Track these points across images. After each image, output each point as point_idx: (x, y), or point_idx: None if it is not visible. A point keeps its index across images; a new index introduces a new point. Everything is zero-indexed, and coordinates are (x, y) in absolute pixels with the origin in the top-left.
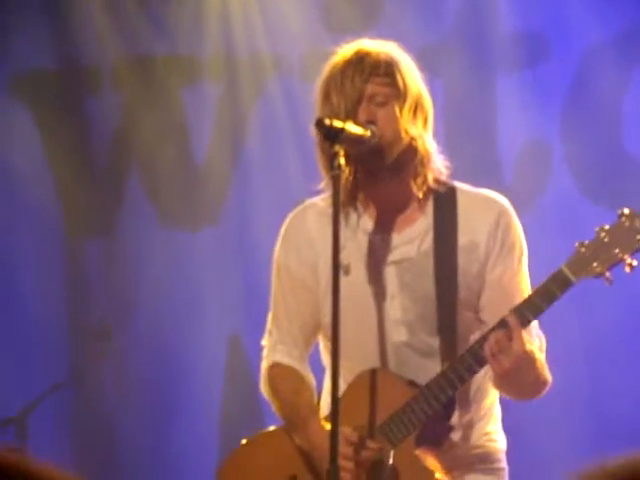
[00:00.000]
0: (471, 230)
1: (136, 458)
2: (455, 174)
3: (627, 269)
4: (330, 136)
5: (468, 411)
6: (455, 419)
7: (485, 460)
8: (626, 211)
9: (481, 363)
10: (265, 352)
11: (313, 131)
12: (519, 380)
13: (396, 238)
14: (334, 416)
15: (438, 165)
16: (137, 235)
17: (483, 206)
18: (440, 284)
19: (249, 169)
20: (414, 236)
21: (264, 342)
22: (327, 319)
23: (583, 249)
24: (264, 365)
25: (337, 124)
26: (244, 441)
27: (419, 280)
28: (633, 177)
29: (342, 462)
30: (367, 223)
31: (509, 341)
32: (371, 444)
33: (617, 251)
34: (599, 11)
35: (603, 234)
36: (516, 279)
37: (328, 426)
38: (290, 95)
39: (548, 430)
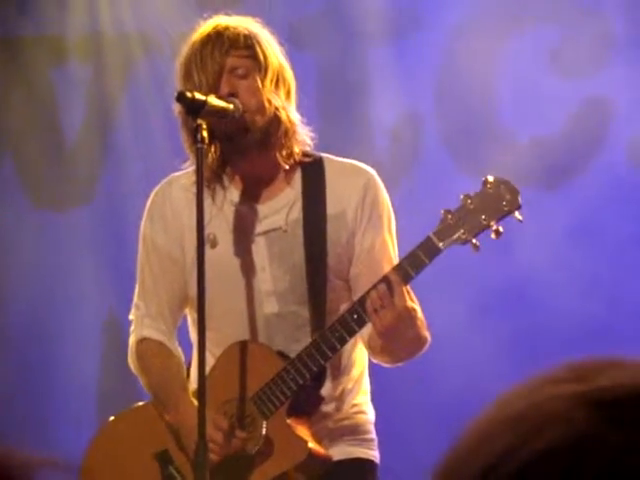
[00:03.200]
0: (339, 199)
1: (11, 444)
2: (329, 148)
3: (493, 236)
4: (192, 109)
5: (339, 382)
6: (325, 390)
7: (354, 431)
8: (490, 178)
9: (351, 332)
10: (132, 326)
11: (176, 107)
12: (400, 337)
13: (263, 209)
14: (201, 392)
15: (303, 136)
16: (8, 218)
17: (350, 176)
18: (310, 253)
19: (120, 149)
20: (280, 207)
21: (131, 316)
22: (194, 293)
23: (449, 216)
24: (132, 339)
25: (199, 97)
26: (112, 418)
27: (288, 250)
28: (506, 148)
29: (212, 447)
30: (233, 195)
31: (391, 297)
32: (240, 434)
33: (483, 217)
34: None
35: (469, 201)
36: (385, 248)
37: (197, 402)
38: (159, 75)
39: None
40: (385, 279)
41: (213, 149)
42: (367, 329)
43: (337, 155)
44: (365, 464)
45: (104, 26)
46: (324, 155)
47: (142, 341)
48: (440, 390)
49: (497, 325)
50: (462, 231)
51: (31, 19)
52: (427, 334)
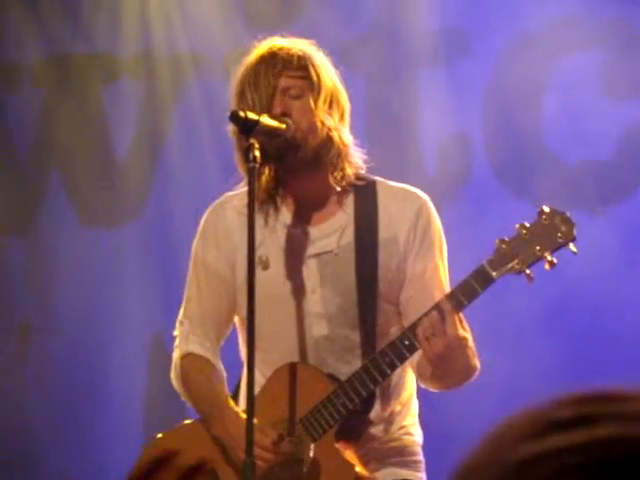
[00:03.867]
0: (392, 224)
1: (59, 459)
2: (378, 169)
3: (547, 267)
4: (245, 128)
5: (388, 404)
6: (374, 412)
7: (401, 453)
8: (546, 209)
9: (402, 358)
10: (177, 342)
11: (230, 127)
12: (450, 365)
13: (315, 232)
14: (250, 408)
15: (356, 159)
16: (58, 233)
17: (403, 200)
18: (361, 278)
19: (169, 167)
20: (332, 230)
21: (176, 332)
22: (244, 314)
23: (504, 246)
24: (176, 355)
25: (252, 116)
26: (159, 435)
27: (340, 273)
28: (551, 170)
29: (259, 452)
30: (285, 217)
31: (443, 325)
32: (289, 440)
33: (538, 248)
34: (518, 5)
35: (524, 231)
36: (437, 274)
37: (245, 416)
38: (209, 94)
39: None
40: (437, 307)
41: (267, 170)
42: (417, 355)
43: (385, 177)
44: None
45: (156, 45)
46: (377, 179)
47: (186, 356)
48: (488, 414)
49: (545, 353)
50: (516, 261)
51: (84, 37)
52: (477, 363)
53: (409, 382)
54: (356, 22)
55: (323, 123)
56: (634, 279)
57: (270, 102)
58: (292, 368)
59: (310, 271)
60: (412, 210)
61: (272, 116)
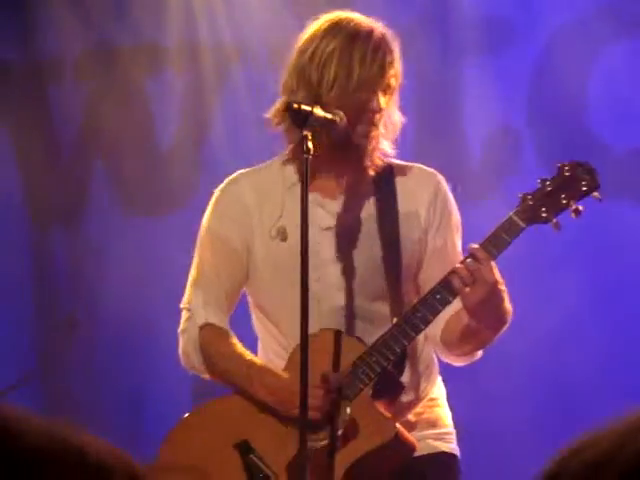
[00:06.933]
0: (411, 199)
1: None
2: (423, 159)
3: (573, 215)
4: (298, 120)
5: (416, 370)
6: (405, 376)
7: (434, 425)
8: (565, 163)
9: (435, 312)
10: (190, 313)
11: (274, 118)
12: (490, 312)
13: (335, 205)
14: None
15: (386, 145)
16: (103, 224)
17: (420, 176)
18: (385, 248)
19: (214, 156)
20: (354, 203)
21: (184, 304)
22: (260, 289)
23: (529, 197)
24: (190, 325)
25: (305, 108)
26: (187, 414)
27: (364, 245)
28: (599, 159)
29: (311, 401)
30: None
31: (480, 271)
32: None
33: (563, 197)
34: None
35: (547, 183)
36: (455, 249)
37: (285, 374)
38: (254, 83)
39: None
40: (472, 256)
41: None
42: (439, 326)
43: (432, 166)
44: (449, 458)
45: (200, 35)
46: (390, 159)
47: (205, 327)
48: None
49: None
50: (543, 209)
51: (128, 28)
52: (510, 307)
53: (434, 358)
54: (404, 12)
55: (381, 124)
56: None
57: (372, 94)
58: (319, 334)
59: (330, 243)
60: (431, 186)
61: (324, 108)
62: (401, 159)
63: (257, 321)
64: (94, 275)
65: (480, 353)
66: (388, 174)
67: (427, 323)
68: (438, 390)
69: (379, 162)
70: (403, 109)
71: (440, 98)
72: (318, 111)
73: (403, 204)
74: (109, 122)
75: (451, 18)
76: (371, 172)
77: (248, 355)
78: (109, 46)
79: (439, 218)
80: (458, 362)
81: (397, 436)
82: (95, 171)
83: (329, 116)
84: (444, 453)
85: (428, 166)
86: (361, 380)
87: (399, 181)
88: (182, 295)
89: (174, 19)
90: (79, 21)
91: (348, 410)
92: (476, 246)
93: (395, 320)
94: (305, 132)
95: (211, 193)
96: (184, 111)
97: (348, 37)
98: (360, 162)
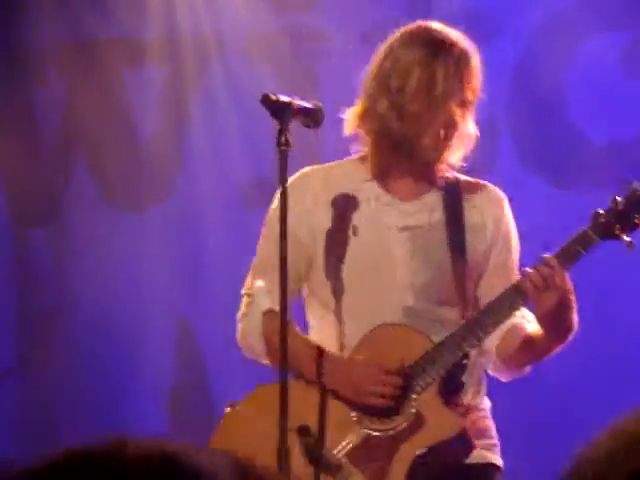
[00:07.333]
0: (477, 212)
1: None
2: None
3: None
4: (276, 111)
5: (470, 380)
6: (465, 377)
7: (484, 435)
8: (636, 184)
9: (505, 316)
10: (252, 299)
11: (355, 119)
12: (560, 321)
13: (406, 206)
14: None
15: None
16: (83, 218)
17: (487, 192)
18: (454, 252)
19: (194, 149)
20: (423, 206)
21: (246, 290)
22: (322, 278)
23: (601, 213)
24: (256, 310)
25: (284, 99)
26: (228, 407)
27: (432, 247)
28: (578, 150)
29: (383, 389)
30: (377, 189)
31: (554, 278)
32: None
33: (636, 216)
34: None
35: (619, 202)
36: (515, 270)
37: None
38: (234, 76)
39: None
40: (546, 263)
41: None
42: (497, 337)
43: None
44: (497, 470)
45: (180, 28)
46: (454, 173)
47: (269, 312)
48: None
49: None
50: (617, 226)
51: (108, 21)
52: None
53: (483, 368)
54: (389, 6)
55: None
56: None
57: (448, 105)
58: (387, 328)
59: (401, 242)
60: (498, 204)
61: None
62: None
63: (309, 308)
64: (76, 270)
65: (528, 369)
66: (454, 185)
67: (496, 325)
68: (487, 402)
69: (446, 174)
70: None
71: None
72: (297, 102)
73: (469, 215)
74: (89, 115)
75: (434, 12)
76: (440, 181)
77: (313, 342)
78: (89, 39)
79: (504, 236)
80: (508, 375)
81: (462, 432)
82: (76, 166)
83: (307, 105)
84: (493, 465)
85: None
86: (429, 375)
87: (464, 190)
88: (164, 288)
89: (154, 11)
90: (59, 14)
91: (414, 403)
92: (549, 255)
93: (465, 321)
94: (283, 124)
95: (189, 188)
96: (164, 104)
97: (431, 48)
98: (429, 171)
